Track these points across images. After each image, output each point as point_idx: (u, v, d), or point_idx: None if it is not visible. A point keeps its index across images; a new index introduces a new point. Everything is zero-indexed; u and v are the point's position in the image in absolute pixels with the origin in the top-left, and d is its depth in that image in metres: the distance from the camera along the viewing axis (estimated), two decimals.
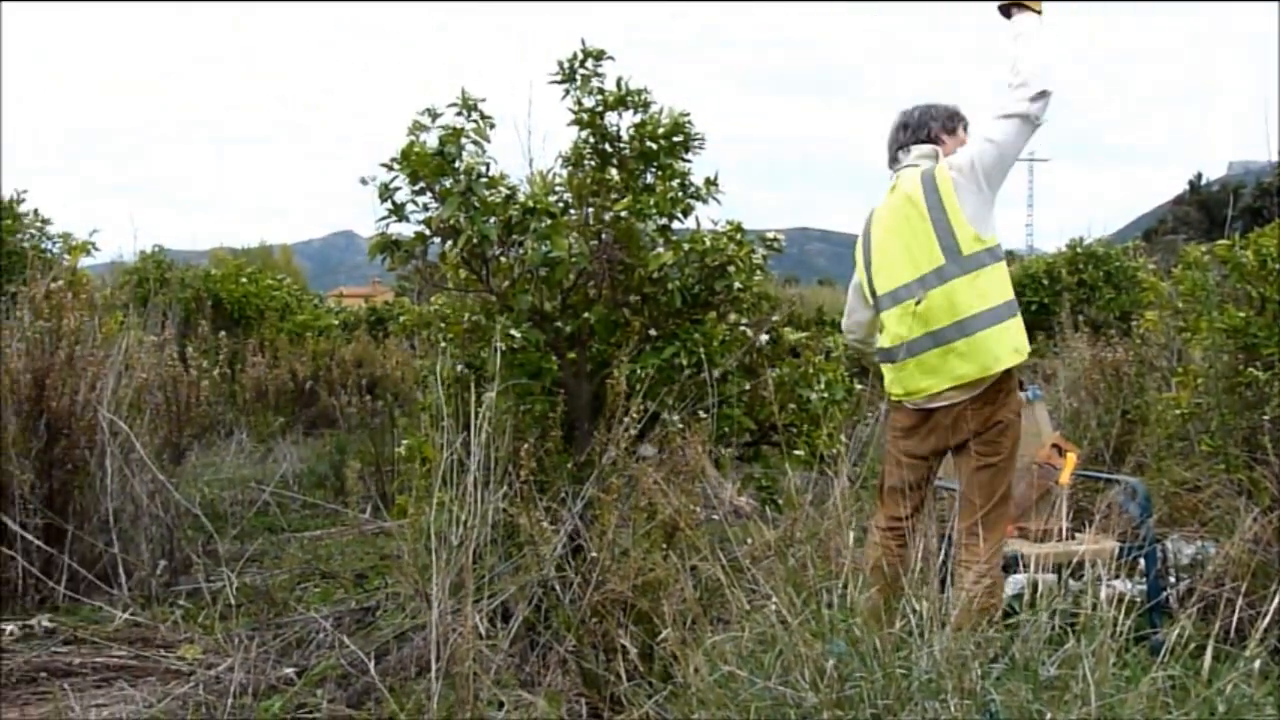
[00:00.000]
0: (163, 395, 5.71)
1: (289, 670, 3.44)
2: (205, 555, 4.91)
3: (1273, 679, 2.15)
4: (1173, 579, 4.02)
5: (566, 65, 4.17)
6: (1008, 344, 3.08)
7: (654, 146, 4.19)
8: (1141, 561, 3.73)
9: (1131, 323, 7.17)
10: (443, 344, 4.40)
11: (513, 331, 4.02)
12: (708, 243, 4.05)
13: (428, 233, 4.07)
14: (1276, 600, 2.21)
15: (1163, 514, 4.43)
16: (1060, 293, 10.50)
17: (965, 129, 3.37)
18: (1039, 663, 2.16)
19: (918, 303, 3.12)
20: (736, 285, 4.10)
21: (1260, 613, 2.19)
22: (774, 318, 4.51)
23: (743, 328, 4.32)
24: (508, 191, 3.96)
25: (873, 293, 3.32)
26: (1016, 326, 3.13)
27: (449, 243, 4.04)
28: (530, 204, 3.82)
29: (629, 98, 4.18)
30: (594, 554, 3.08)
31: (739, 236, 4.15)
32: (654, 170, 4.27)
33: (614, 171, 4.22)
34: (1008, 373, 3.11)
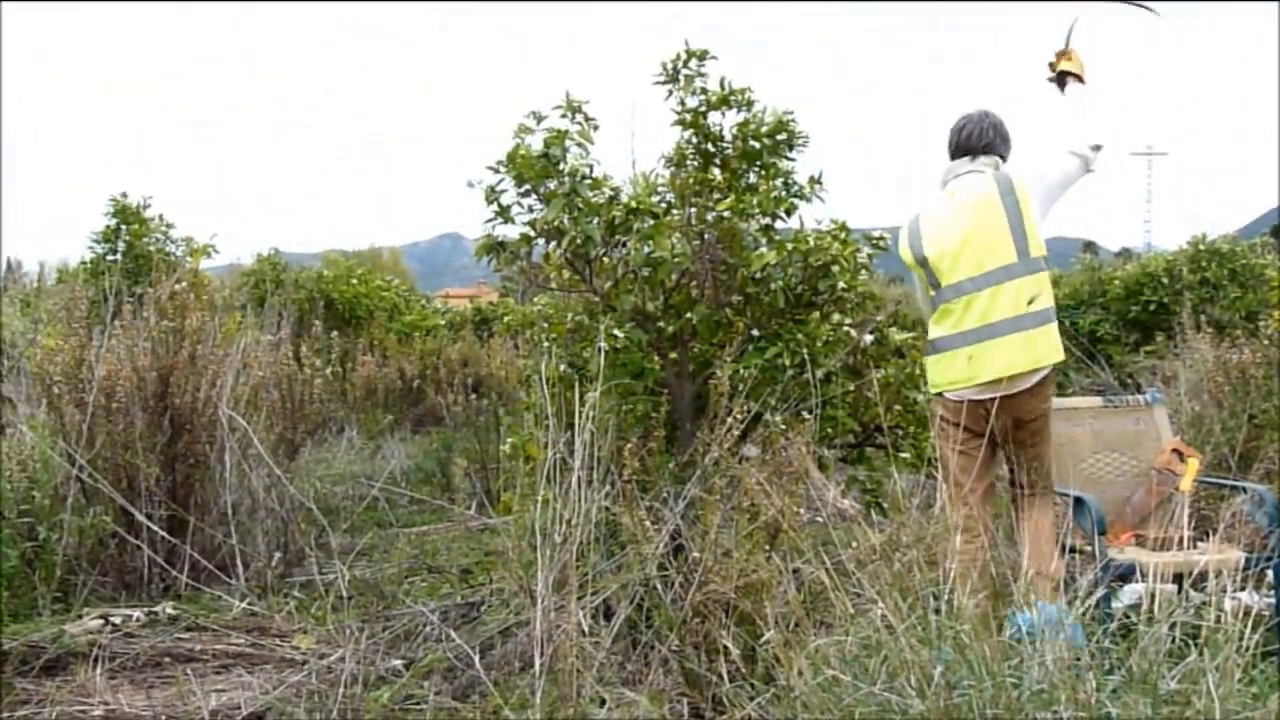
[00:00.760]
0: (278, 393, 5.90)
1: (397, 662, 3.51)
2: (318, 548, 5.05)
3: None
4: None
5: (670, 66, 4.18)
6: (1057, 342, 3.43)
7: (757, 145, 4.17)
8: (1269, 573, 3.57)
9: (1259, 323, 6.86)
10: (546, 344, 4.45)
11: (616, 331, 4.04)
12: (811, 242, 4.01)
13: (532, 234, 4.12)
14: None
15: None
16: (1181, 291, 10.11)
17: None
18: (1158, 676, 2.08)
19: (993, 292, 3.41)
20: (841, 285, 4.05)
21: None
22: (879, 318, 4.44)
23: (847, 328, 4.26)
24: (611, 192, 3.99)
25: (934, 285, 3.54)
26: (1057, 329, 3.47)
27: (553, 244, 4.09)
28: (633, 205, 3.84)
29: (732, 97, 4.17)
30: (696, 554, 3.07)
31: (844, 235, 4.09)
32: (757, 169, 4.25)
33: (717, 171, 4.21)
34: (1053, 368, 3.44)
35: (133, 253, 9.68)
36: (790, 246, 4.01)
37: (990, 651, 2.22)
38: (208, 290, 5.36)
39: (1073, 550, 3.68)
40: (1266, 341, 5.87)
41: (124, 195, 10.08)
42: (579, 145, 4.00)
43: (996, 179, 3.47)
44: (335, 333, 9.98)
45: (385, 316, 12.11)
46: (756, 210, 4.05)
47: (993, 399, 3.35)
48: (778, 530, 3.07)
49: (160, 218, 10.09)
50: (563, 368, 4.18)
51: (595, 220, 3.88)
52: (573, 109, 4.00)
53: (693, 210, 4.19)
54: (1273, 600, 3.53)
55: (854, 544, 3.02)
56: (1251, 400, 5.53)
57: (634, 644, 3.21)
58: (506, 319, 5.67)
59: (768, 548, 3.07)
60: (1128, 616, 2.61)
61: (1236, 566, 3.45)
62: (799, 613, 2.69)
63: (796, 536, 3.02)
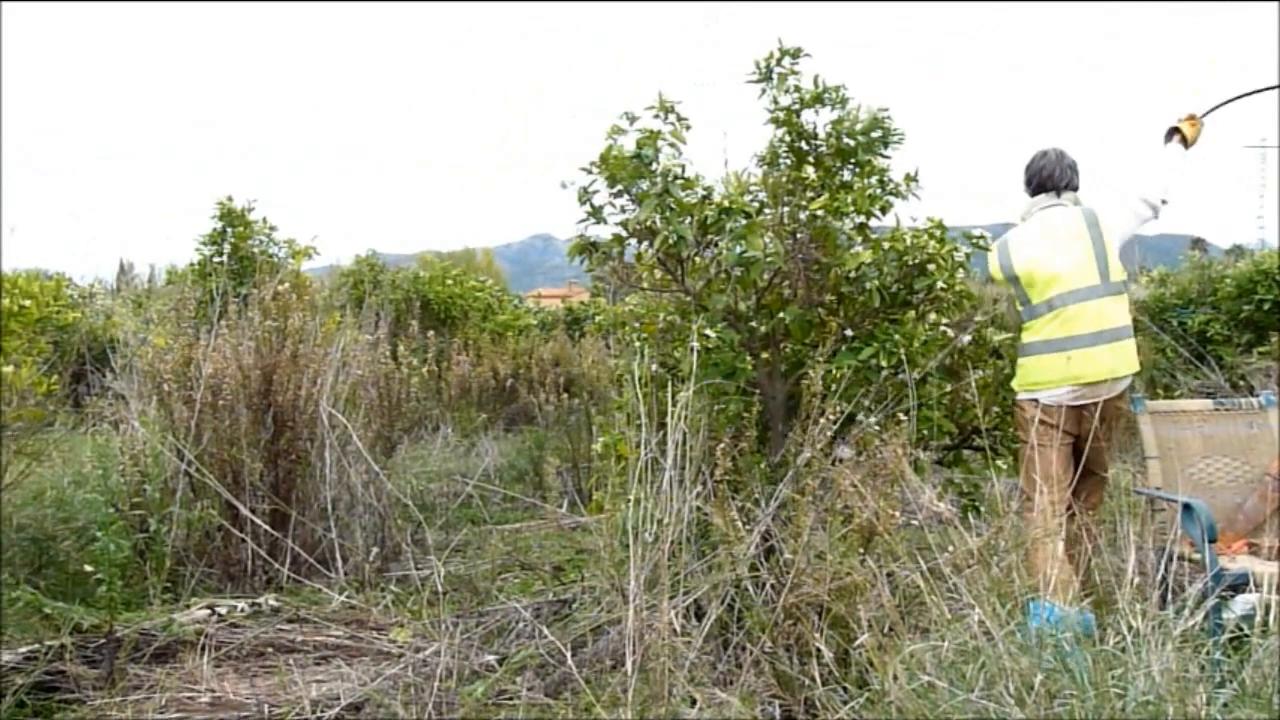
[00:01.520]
0: (376, 391, 6.03)
1: (490, 657, 3.55)
2: (414, 544, 5.15)
3: None
4: None
5: (764, 64, 4.15)
6: (1134, 354, 3.96)
7: (851, 143, 4.12)
8: None
9: None
10: (637, 343, 4.46)
11: (708, 331, 4.02)
12: (907, 241, 3.94)
13: (625, 234, 4.13)
14: None
15: None
16: None
17: None
18: (1274, 690, 1.99)
19: (1079, 308, 3.90)
20: (938, 284, 3.97)
21: None
22: (977, 318, 4.34)
23: (944, 328, 4.18)
24: (703, 192, 3.98)
25: (1023, 300, 4.04)
26: (1134, 344, 4.00)
27: (645, 244, 4.09)
28: (726, 204, 3.82)
29: (826, 94, 4.12)
30: (788, 555, 3.05)
31: (941, 234, 4.01)
32: (851, 167, 4.19)
33: (810, 170, 4.16)
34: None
35: (238, 255, 9.99)
36: (885, 245, 3.95)
37: (1093, 660, 2.16)
38: (309, 291, 5.50)
39: (1180, 558, 3.55)
40: None
41: (229, 199, 10.41)
42: (671, 145, 3.99)
43: (1083, 213, 4.02)
44: (431, 332, 10.15)
45: (479, 316, 12.28)
46: (851, 209, 3.99)
47: (1088, 402, 3.85)
48: (872, 533, 3.03)
49: (264, 220, 10.39)
50: (654, 367, 4.18)
51: (688, 220, 3.87)
52: (665, 109, 3.99)
53: (786, 209, 4.15)
54: None
55: (950, 548, 2.97)
56: None
57: (725, 644, 3.20)
58: (598, 319, 5.71)
59: (862, 550, 3.02)
60: (1240, 628, 2.51)
61: None
62: (894, 616, 2.65)
63: (891, 539, 2.97)
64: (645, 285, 4.44)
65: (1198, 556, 3.43)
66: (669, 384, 3.67)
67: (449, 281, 12.43)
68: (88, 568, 3.69)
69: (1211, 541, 3.30)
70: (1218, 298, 10.59)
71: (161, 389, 4.96)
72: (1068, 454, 3.87)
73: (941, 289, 4.03)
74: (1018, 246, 4.03)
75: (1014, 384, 3.99)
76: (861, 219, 4.10)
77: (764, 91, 4.18)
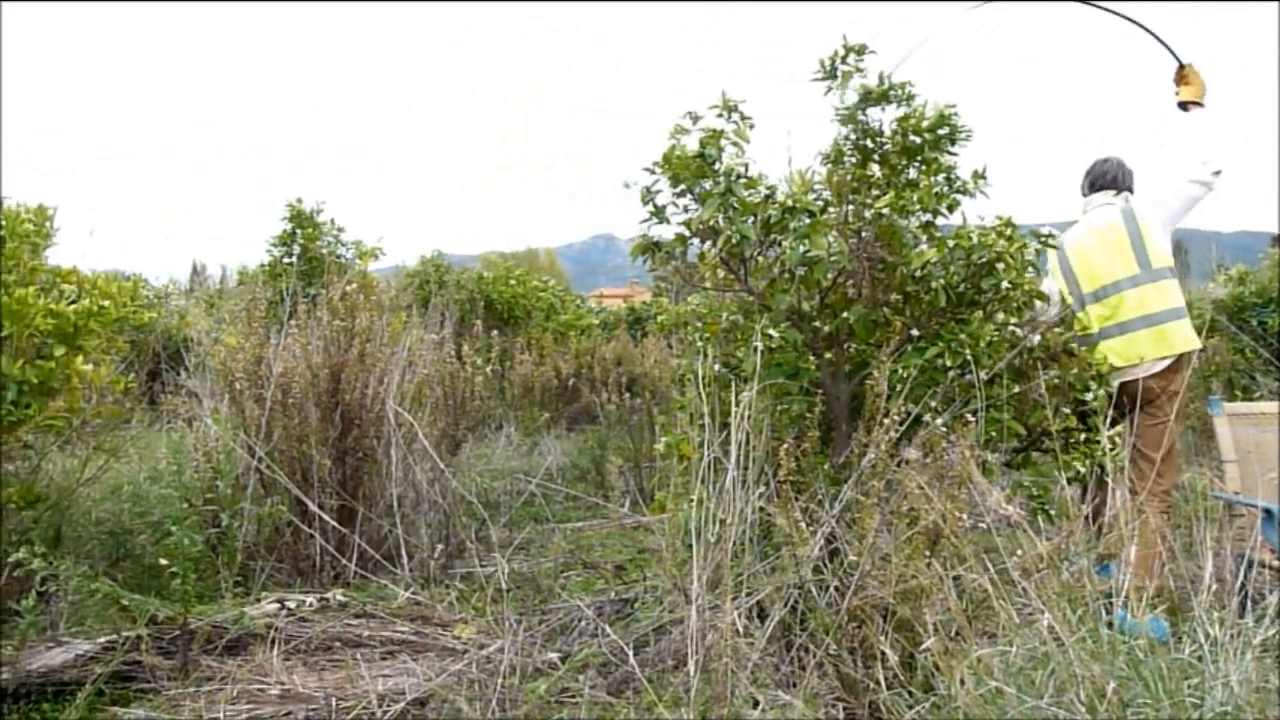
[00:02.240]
0: (441, 390, 6.10)
1: (553, 655, 3.58)
2: (478, 541, 5.20)
3: None
4: None
5: (828, 62, 4.11)
6: (1184, 335, 4.31)
7: (918, 141, 4.06)
8: None
9: None
10: (700, 343, 4.45)
11: (771, 331, 4.00)
12: (975, 239, 3.88)
13: (687, 234, 4.12)
14: None
15: None
16: None
17: None
18: None
19: (1119, 298, 4.38)
20: (1005, 283, 3.90)
21: None
22: (1045, 316, 4.26)
23: (1012, 328, 4.10)
24: (767, 191, 3.95)
25: (1076, 295, 4.53)
26: (1189, 324, 4.35)
27: (708, 243, 4.08)
28: (789, 203, 3.79)
29: (891, 92, 4.07)
30: (853, 558, 3.02)
31: (1009, 232, 3.94)
32: (918, 165, 4.13)
33: (876, 168, 4.11)
34: (1182, 355, 4.28)
35: (307, 255, 10.16)
36: (952, 244, 3.89)
37: (1168, 668, 2.10)
38: (376, 291, 5.57)
39: (1260, 565, 3.45)
40: None
41: (299, 201, 10.60)
42: (734, 144, 3.98)
43: (1122, 210, 4.49)
44: (495, 332, 10.23)
45: (542, 316, 12.36)
46: (917, 207, 3.94)
47: (1131, 381, 4.27)
48: (938, 535, 2.99)
49: (332, 222, 10.56)
50: (717, 367, 4.17)
51: (751, 219, 3.85)
52: (728, 108, 3.97)
53: (850, 208, 4.11)
54: None
55: (1019, 552, 2.92)
56: None
57: (788, 646, 3.18)
58: (660, 318, 5.70)
59: (928, 553, 2.98)
60: None
61: None
62: (960, 621, 2.62)
63: (958, 542, 2.93)
64: (708, 285, 4.43)
65: (1278, 564, 3.33)
66: (731, 384, 3.66)
67: (512, 281, 12.51)
68: (163, 561, 3.79)
69: None
70: None
71: (233, 387, 5.07)
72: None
73: (1009, 288, 3.95)
74: (1069, 242, 4.58)
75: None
76: (928, 217, 4.05)
77: (828, 90, 4.14)
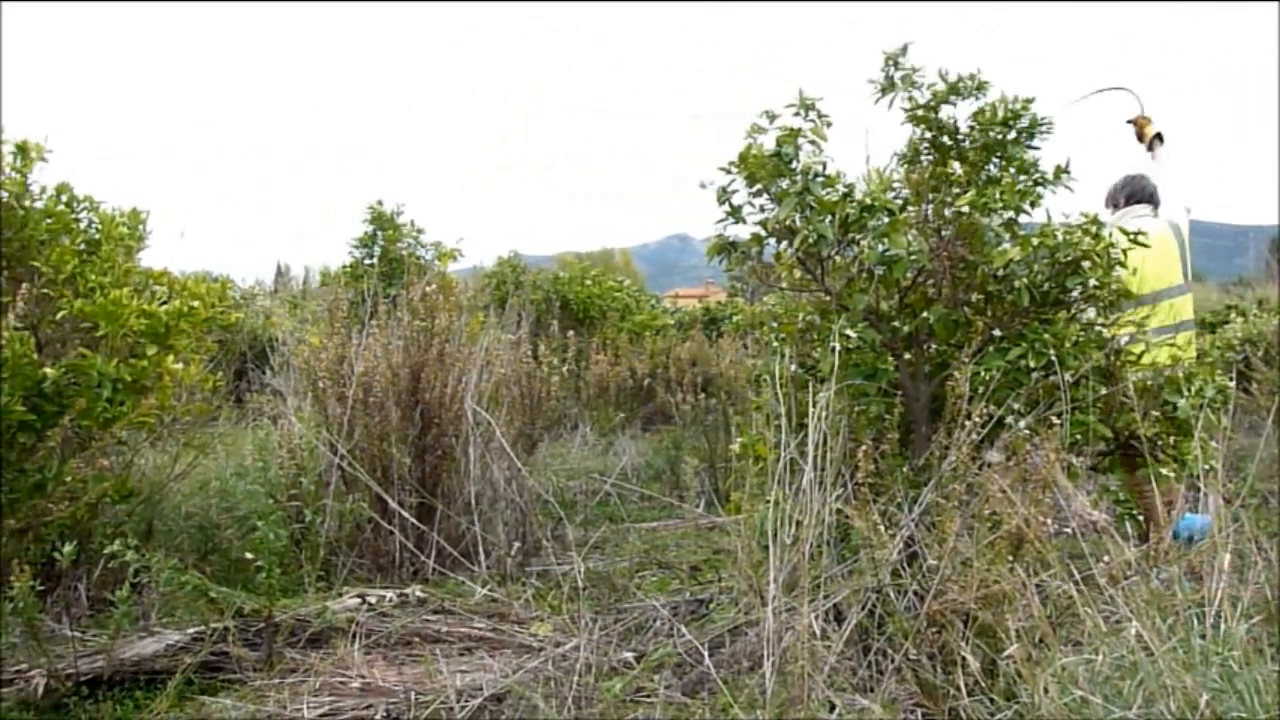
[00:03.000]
0: (518, 389, 6.15)
1: (628, 654, 3.58)
2: (554, 539, 5.24)
3: None
4: None
5: (881, 77, 4.07)
6: (1193, 343, 4.98)
7: (997, 136, 3.98)
8: None
9: None
10: (775, 343, 4.42)
11: (848, 331, 3.96)
12: (1060, 237, 3.79)
13: (764, 234, 4.10)
14: None
15: None
16: None
17: None
18: None
19: (1170, 304, 4.84)
20: (1092, 282, 3.80)
21: None
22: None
23: (1099, 328, 4.00)
24: (844, 190, 3.91)
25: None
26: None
27: (784, 243, 4.05)
28: (868, 201, 3.75)
29: (960, 86, 4.00)
30: (932, 561, 2.97)
31: (1096, 229, 3.84)
32: (998, 161, 4.05)
33: (956, 165, 4.04)
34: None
35: (387, 257, 10.35)
36: (1036, 242, 3.80)
37: (1264, 680, 2.03)
38: (454, 291, 5.65)
39: None
40: None
41: (379, 203, 10.80)
42: (812, 143, 3.94)
43: (1170, 224, 4.98)
44: (570, 332, 10.30)
45: (617, 316, 12.39)
46: (999, 204, 3.86)
47: None
48: (1022, 540, 2.92)
49: (412, 223, 10.74)
50: (793, 368, 4.13)
51: (828, 218, 3.81)
52: (806, 106, 3.94)
53: (930, 206, 4.05)
54: None
55: (1106, 558, 2.84)
56: None
57: (865, 650, 3.14)
58: (736, 319, 5.68)
59: (1010, 558, 2.92)
60: None
61: None
62: (1044, 627, 2.56)
63: (1042, 547, 2.87)
64: (784, 285, 4.40)
65: None
66: (808, 384, 3.63)
67: (588, 282, 12.58)
68: (248, 555, 3.88)
69: None
70: None
71: (316, 386, 5.17)
72: None
73: (1096, 287, 3.85)
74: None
75: None
76: (1010, 214, 3.96)
77: (891, 103, 4.10)
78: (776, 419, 3.21)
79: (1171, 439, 3.87)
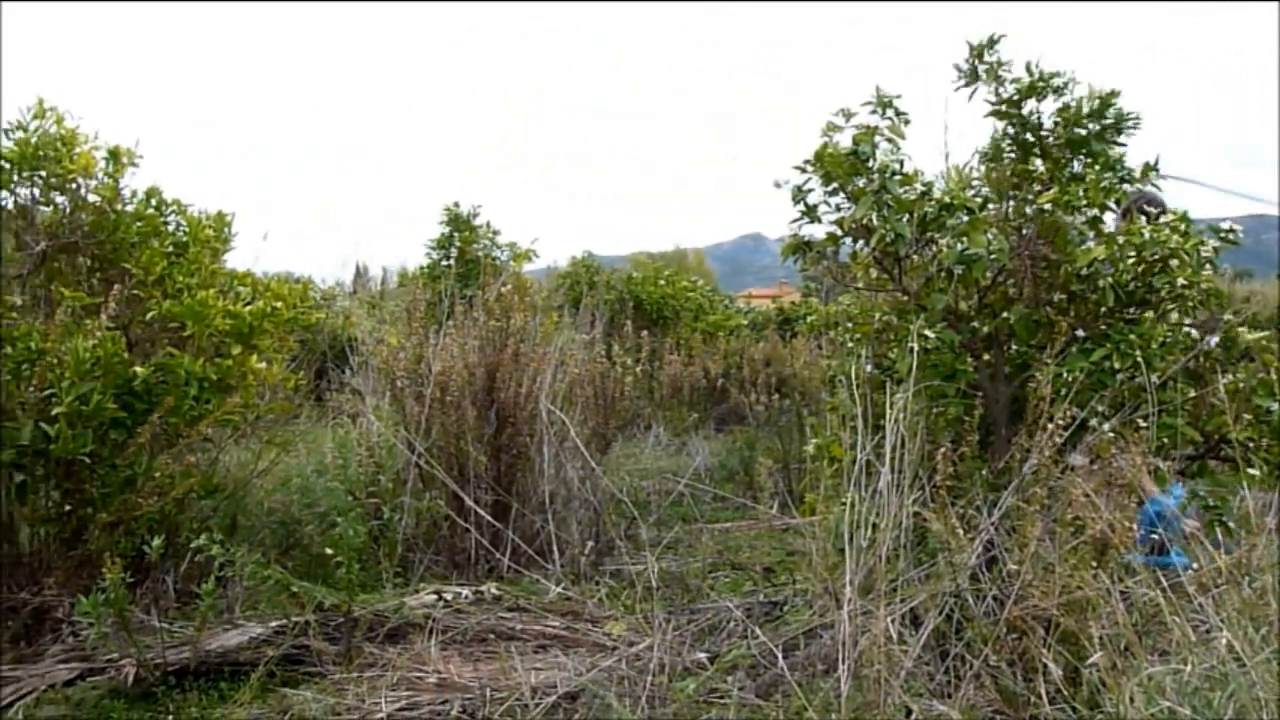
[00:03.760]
0: (592, 389, 6.18)
1: (702, 655, 3.57)
2: (627, 539, 5.24)
3: None
4: None
5: (966, 66, 3.99)
6: None
7: (1082, 132, 3.89)
8: None
9: None
10: (851, 344, 4.38)
11: (926, 332, 3.90)
12: (1146, 235, 3.69)
13: (840, 233, 4.06)
14: None
15: None
16: None
17: None
18: None
19: None
20: (1180, 281, 3.69)
21: None
22: (1225, 317, 4.01)
23: (1187, 328, 3.88)
24: (923, 188, 3.85)
25: None
26: None
27: (861, 242, 4.01)
28: (947, 199, 3.69)
29: (1043, 81, 3.91)
30: (1013, 566, 2.91)
31: (1185, 227, 3.73)
32: (1083, 158, 3.96)
33: (1038, 162, 3.96)
34: None
35: (463, 258, 10.48)
36: (1121, 240, 3.71)
37: None
38: (529, 292, 5.69)
39: None
40: None
41: (456, 205, 10.94)
42: (889, 141, 3.89)
43: None
44: (644, 332, 10.31)
45: (690, 316, 12.37)
46: (1083, 202, 3.77)
47: None
48: (1106, 546, 2.85)
49: (487, 225, 10.86)
50: (869, 368, 4.09)
51: (906, 217, 3.76)
52: (883, 104, 3.90)
53: (1011, 204, 3.97)
54: None
55: (1195, 564, 2.76)
56: None
57: (943, 655, 3.09)
58: (810, 319, 5.63)
59: (1094, 564, 2.85)
60: None
61: None
62: (1130, 636, 2.49)
63: (1120, 546, 2.79)
64: (860, 285, 4.35)
65: None
66: (885, 385, 3.58)
67: (661, 282, 12.58)
68: (328, 551, 3.96)
69: None
70: None
71: (394, 385, 5.25)
72: None
73: (1184, 287, 3.74)
74: None
75: None
76: (1095, 212, 3.87)
77: (973, 95, 4.02)
78: (852, 420, 3.17)
79: (1263, 441, 3.74)
